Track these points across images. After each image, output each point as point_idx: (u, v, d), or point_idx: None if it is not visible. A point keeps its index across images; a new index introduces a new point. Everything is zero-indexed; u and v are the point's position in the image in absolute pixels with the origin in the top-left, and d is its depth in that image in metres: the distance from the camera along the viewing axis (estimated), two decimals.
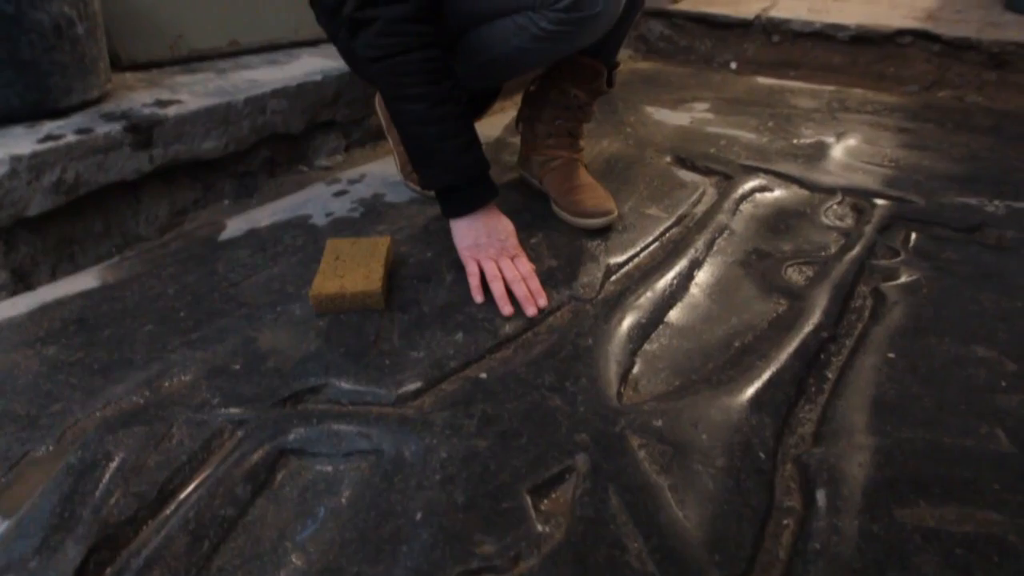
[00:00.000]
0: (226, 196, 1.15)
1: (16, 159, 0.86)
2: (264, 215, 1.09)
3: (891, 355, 0.76)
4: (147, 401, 0.70)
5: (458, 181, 0.83)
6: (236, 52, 1.35)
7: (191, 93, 1.10)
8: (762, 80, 1.91)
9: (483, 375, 0.73)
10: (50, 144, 0.89)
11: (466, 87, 0.95)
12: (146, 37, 1.23)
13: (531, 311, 0.82)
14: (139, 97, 1.08)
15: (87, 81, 1.01)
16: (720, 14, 2.07)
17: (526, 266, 0.86)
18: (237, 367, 0.75)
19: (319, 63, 1.29)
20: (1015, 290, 0.88)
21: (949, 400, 0.69)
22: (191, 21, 1.27)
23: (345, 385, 0.73)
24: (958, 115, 1.59)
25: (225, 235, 1.03)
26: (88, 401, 0.70)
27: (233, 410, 0.68)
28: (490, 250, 0.85)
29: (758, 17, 2.02)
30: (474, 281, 0.85)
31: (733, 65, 2.06)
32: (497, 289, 0.83)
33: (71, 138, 0.91)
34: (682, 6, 2.15)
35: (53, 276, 0.97)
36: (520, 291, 0.83)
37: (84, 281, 0.92)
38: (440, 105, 0.79)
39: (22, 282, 0.95)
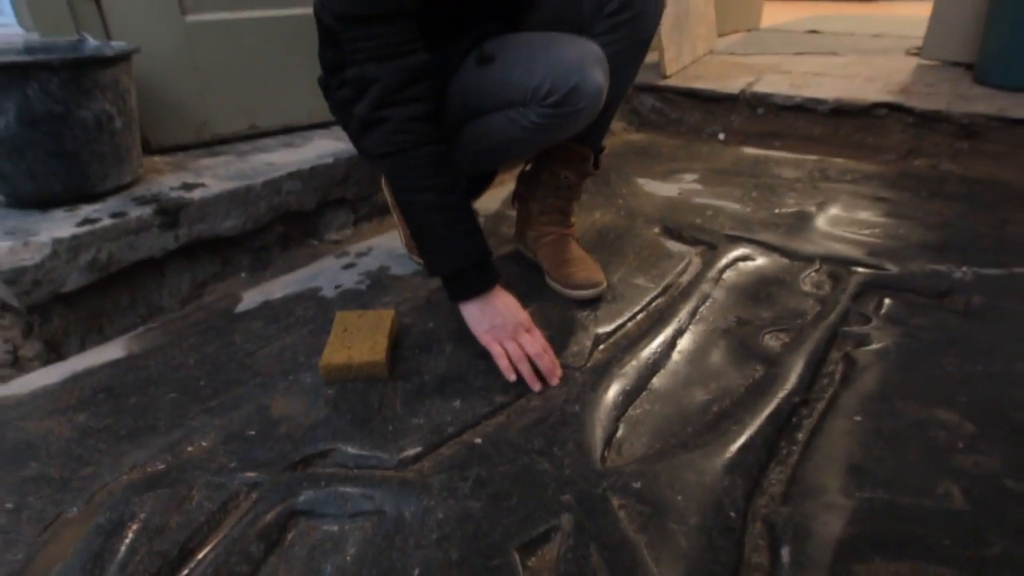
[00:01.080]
0: (243, 269, 1.23)
1: (58, 241, 0.95)
2: (277, 287, 1.18)
3: (858, 418, 0.81)
4: (169, 465, 0.76)
5: (465, 266, 0.89)
6: (255, 135, 1.46)
7: (214, 176, 1.20)
8: (748, 150, 2.01)
9: (478, 440, 0.79)
10: (87, 227, 0.98)
11: (464, 172, 1.05)
12: (175, 125, 1.35)
13: (555, 381, 0.88)
14: (167, 180, 1.18)
15: (122, 168, 1.11)
16: (707, 89, 2.19)
17: (541, 339, 0.91)
18: (252, 433, 0.81)
19: (331, 145, 1.39)
20: (977, 355, 0.94)
21: (910, 461, 0.75)
22: (215, 109, 1.39)
23: (351, 450, 0.79)
24: (932, 183, 1.68)
25: (241, 307, 1.11)
26: (116, 465, 0.76)
27: (248, 474, 0.74)
28: (507, 328, 0.89)
29: (743, 91, 2.14)
30: (503, 362, 0.88)
31: (721, 136, 2.17)
32: (525, 369, 0.87)
33: (106, 221, 1.00)
34: (671, 82, 2.28)
35: (83, 346, 1.05)
36: (544, 364, 0.88)
37: (111, 351, 1.00)
38: (447, 195, 0.87)
39: (54, 352, 1.03)
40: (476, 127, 0.95)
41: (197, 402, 0.87)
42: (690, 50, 2.51)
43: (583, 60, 0.83)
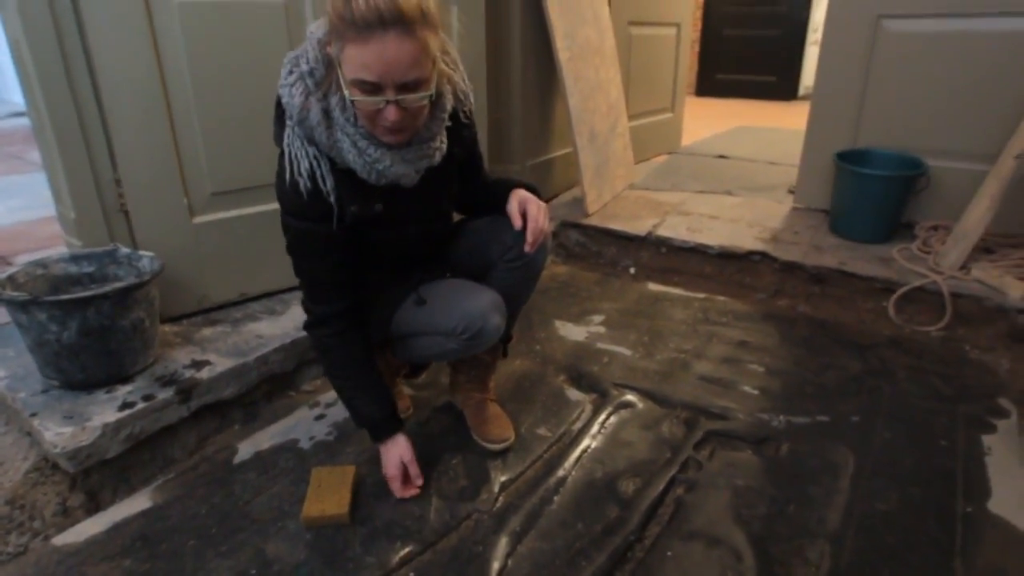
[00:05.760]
0: (236, 422, 1.58)
1: (106, 425, 1.30)
2: (265, 438, 1.53)
3: (669, 553, 1.20)
4: None
5: (363, 426, 1.34)
6: (243, 300, 1.83)
7: (216, 352, 1.56)
8: (652, 287, 2.45)
9: (411, 574, 1.16)
10: (127, 412, 1.33)
11: (410, 362, 1.44)
12: (181, 299, 1.72)
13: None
14: (179, 357, 1.54)
15: (147, 353, 1.47)
16: (620, 230, 2.65)
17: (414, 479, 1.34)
18: (254, 572, 1.16)
19: None
20: (764, 498, 1.34)
21: None
22: (213, 284, 1.76)
23: None
24: (786, 325, 2.13)
25: (238, 458, 1.46)
26: None
27: None
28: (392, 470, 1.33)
29: (649, 233, 2.61)
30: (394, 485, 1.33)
31: (632, 270, 2.62)
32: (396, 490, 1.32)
33: (140, 405, 1.36)
34: (592, 220, 2.74)
35: (114, 495, 1.38)
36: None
37: (140, 502, 1.33)
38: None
39: (92, 501, 1.36)
40: (416, 341, 1.34)
41: (211, 547, 1.21)
42: (610, 189, 2.99)
43: (486, 309, 1.23)
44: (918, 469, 1.41)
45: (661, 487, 1.37)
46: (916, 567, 1.17)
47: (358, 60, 1.01)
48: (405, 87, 1.04)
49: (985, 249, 2.20)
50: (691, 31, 3.98)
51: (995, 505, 1.31)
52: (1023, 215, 2.22)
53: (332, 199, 1.14)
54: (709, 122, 5.11)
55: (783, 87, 6.44)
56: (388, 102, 1.04)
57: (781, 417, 1.62)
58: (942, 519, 1.28)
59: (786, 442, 1.52)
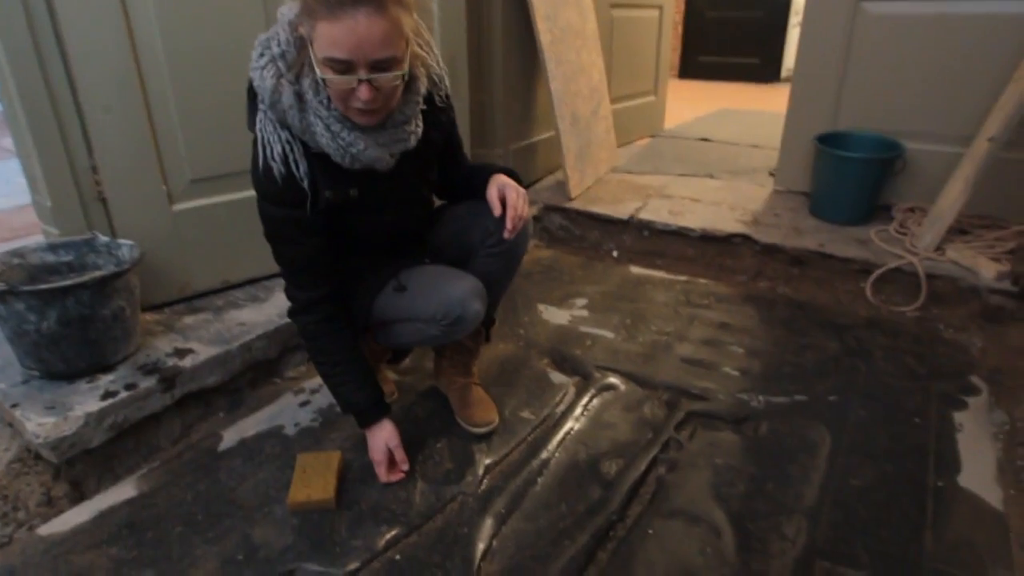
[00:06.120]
0: (221, 409, 1.58)
1: (89, 415, 1.29)
2: (250, 425, 1.53)
3: (650, 531, 1.23)
4: None
5: (350, 412, 1.35)
6: (226, 288, 1.83)
7: (199, 340, 1.56)
8: (634, 269, 2.47)
9: (398, 557, 1.17)
10: (109, 401, 1.33)
11: (392, 347, 1.44)
12: (163, 287, 1.71)
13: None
14: (161, 345, 1.54)
15: (129, 342, 1.46)
16: (603, 213, 2.66)
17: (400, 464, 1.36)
18: (240, 557, 1.17)
19: None
20: (743, 477, 1.37)
21: (673, 567, 1.16)
22: (195, 272, 1.75)
23: (310, 567, 1.15)
24: (766, 306, 2.15)
25: (223, 446, 1.46)
26: None
27: None
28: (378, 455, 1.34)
29: (632, 217, 2.62)
30: (380, 470, 1.34)
31: (615, 253, 2.63)
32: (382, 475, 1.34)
33: (123, 394, 1.35)
34: (575, 204, 2.74)
35: (99, 485, 1.38)
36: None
37: (126, 490, 1.33)
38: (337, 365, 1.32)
39: (77, 490, 1.36)
40: (398, 327, 1.35)
41: (197, 534, 1.22)
42: (593, 172, 2.99)
43: (465, 295, 1.24)
44: (892, 446, 1.45)
45: (643, 467, 1.39)
46: (888, 540, 1.20)
47: (329, 37, 1.00)
48: (377, 65, 1.03)
49: (960, 230, 2.24)
50: (674, 13, 3.98)
51: (965, 480, 1.35)
52: (997, 197, 2.26)
53: (306, 184, 1.14)
54: (692, 105, 5.11)
55: (766, 69, 6.45)
56: (360, 81, 1.04)
57: (760, 397, 1.64)
58: (914, 494, 1.31)
59: (765, 421, 1.55)
